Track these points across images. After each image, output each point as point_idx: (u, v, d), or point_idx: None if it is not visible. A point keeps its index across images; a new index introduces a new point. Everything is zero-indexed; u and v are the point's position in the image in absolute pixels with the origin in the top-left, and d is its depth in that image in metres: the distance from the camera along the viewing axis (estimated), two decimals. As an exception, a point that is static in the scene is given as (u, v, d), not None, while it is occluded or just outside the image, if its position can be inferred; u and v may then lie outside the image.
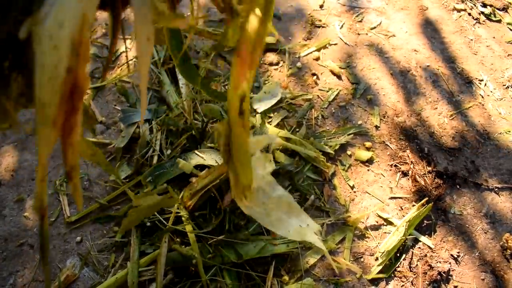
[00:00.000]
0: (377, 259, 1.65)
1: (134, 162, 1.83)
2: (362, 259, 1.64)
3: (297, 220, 1.24)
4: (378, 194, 1.82)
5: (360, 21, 2.44)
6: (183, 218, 1.62)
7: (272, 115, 1.98)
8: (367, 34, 2.38)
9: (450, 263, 1.68)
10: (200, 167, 1.76)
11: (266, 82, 2.05)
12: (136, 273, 1.57)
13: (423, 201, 1.77)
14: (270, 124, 1.92)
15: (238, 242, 1.61)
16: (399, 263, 1.65)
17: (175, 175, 1.73)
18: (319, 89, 2.12)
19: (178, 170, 1.74)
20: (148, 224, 1.67)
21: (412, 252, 1.69)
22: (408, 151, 1.91)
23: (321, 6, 2.51)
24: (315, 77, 2.15)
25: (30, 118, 2.03)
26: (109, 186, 1.85)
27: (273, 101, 2.00)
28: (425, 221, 1.76)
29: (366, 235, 1.72)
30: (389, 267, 1.63)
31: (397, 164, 1.89)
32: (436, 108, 2.09)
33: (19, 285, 1.64)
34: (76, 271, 1.66)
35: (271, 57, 2.19)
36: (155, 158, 1.82)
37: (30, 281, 1.64)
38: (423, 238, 1.72)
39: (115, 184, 1.82)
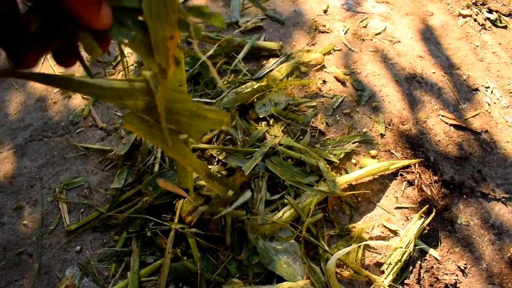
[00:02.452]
0: (383, 271, 1.61)
1: (135, 170, 1.80)
2: (368, 271, 1.60)
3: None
4: (383, 204, 1.79)
5: (365, 27, 2.42)
6: (185, 231, 1.59)
7: (275, 122, 1.95)
8: (371, 39, 2.35)
9: (457, 275, 1.65)
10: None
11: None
12: (137, 283, 1.54)
13: (424, 209, 1.74)
14: (273, 131, 1.89)
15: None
16: (406, 275, 1.62)
17: (176, 184, 1.70)
18: (323, 96, 2.09)
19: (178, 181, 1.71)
20: (149, 234, 1.64)
21: (419, 264, 1.65)
22: (413, 159, 1.88)
23: (325, 11, 2.48)
24: (319, 83, 2.12)
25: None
26: (110, 194, 1.82)
27: (277, 108, 1.97)
28: (431, 232, 1.73)
29: (372, 246, 1.68)
30: (397, 280, 1.60)
31: (402, 173, 1.85)
32: (441, 116, 2.06)
33: (17, 295, 1.61)
34: (76, 281, 1.63)
35: (275, 63, 2.16)
36: (156, 166, 1.79)
37: (29, 291, 1.62)
38: (430, 250, 1.68)
39: (116, 192, 1.79)
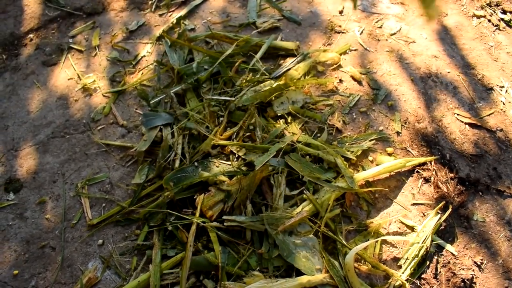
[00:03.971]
0: (400, 266, 1.64)
1: (157, 166, 1.84)
2: (385, 266, 1.62)
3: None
4: (400, 200, 1.81)
5: (380, 27, 2.44)
6: (207, 225, 1.62)
7: (293, 119, 1.98)
8: (387, 40, 2.38)
9: (473, 270, 1.66)
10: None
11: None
12: (159, 276, 1.57)
13: (440, 205, 1.75)
14: (291, 128, 1.92)
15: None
16: (423, 269, 1.64)
17: (197, 181, 1.73)
18: (340, 95, 2.11)
19: (199, 176, 1.74)
20: (170, 228, 1.67)
21: (436, 259, 1.67)
22: (430, 157, 1.90)
23: (340, 12, 2.51)
24: (335, 82, 2.15)
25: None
26: (131, 189, 1.85)
27: (295, 106, 2.00)
28: (448, 228, 1.75)
29: (389, 241, 1.70)
30: (414, 274, 1.62)
31: (419, 170, 1.88)
32: (457, 115, 2.08)
33: (41, 287, 1.65)
34: (98, 274, 1.66)
35: (291, 62, 2.19)
36: (177, 162, 1.83)
37: (52, 283, 1.65)
38: (447, 245, 1.70)
39: (137, 187, 1.83)
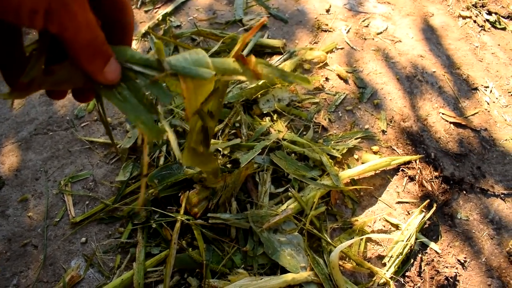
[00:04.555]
0: (385, 264, 1.64)
1: (141, 163, 1.82)
2: (370, 263, 1.62)
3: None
4: (385, 199, 1.81)
5: (367, 26, 2.45)
6: (191, 222, 1.61)
7: (279, 117, 1.97)
8: (373, 39, 2.38)
9: (457, 268, 1.67)
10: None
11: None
12: (142, 274, 1.56)
13: (425, 203, 1.76)
14: (277, 126, 1.92)
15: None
16: (407, 267, 1.64)
17: (182, 178, 1.72)
18: (326, 93, 2.11)
19: (184, 173, 1.73)
20: (154, 225, 1.65)
21: (420, 257, 1.68)
22: (414, 156, 1.90)
23: (327, 11, 2.52)
24: (321, 80, 2.15)
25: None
26: (115, 187, 1.83)
27: (280, 104, 1.99)
28: (432, 226, 1.75)
29: (374, 239, 1.71)
30: (398, 272, 1.62)
31: (404, 169, 1.88)
32: (442, 114, 2.09)
33: (23, 286, 1.62)
34: (81, 272, 1.64)
35: (278, 60, 2.18)
36: (162, 159, 1.81)
37: (34, 282, 1.62)
38: (431, 243, 1.71)
39: (121, 185, 1.81)
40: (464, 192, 1.87)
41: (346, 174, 1.78)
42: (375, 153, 1.92)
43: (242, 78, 0.86)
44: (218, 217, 1.60)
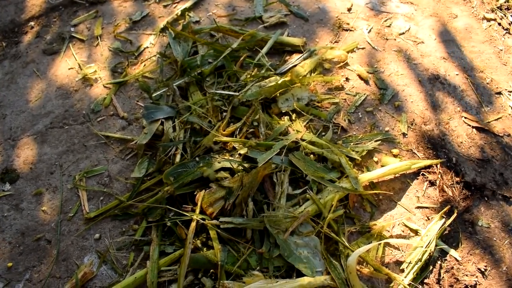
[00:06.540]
0: (403, 270, 1.60)
1: (157, 160, 1.80)
2: (388, 269, 1.59)
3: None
4: (404, 203, 1.77)
5: (389, 26, 2.40)
6: (207, 222, 1.58)
7: (297, 117, 1.94)
8: (395, 39, 2.34)
9: (477, 276, 1.63)
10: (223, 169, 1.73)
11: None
12: (156, 272, 1.53)
13: (445, 209, 1.72)
14: (295, 125, 1.88)
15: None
16: (426, 274, 1.60)
17: (198, 177, 1.69)
18: (346, 93, 2.08)
19: (200, 172, 1.70)
20: (169, 224, 1.63)
21: (439, 264, 1.64)
22: (436, 160, 1.86)
23: (349, 9, 2.47)
24: (342, 80, 2.11)
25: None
26: (130, 183, 1.81)
27: (300, 103, 1.96)
28: (452, 233, 1.71)
29: (392, 244, 1.67)
30: (416, 279, 1.58)
31: (424, 173, 1.84)
32: (464, 118, 2.04)
33: (35, 280, 1.61)
34: (94, 269, 1.62)
35: (298, 59, 2.15)
36: (178, 157, 1.79)
37: (47, 277, 1.61)
38: (451, 250, 1.67)
39: (136, 181, 1.79)
40: (486, 198, 1.82)
41: (365, 177, 1.74)
42: (395, 156, 1.88)
43: None
44: (230, 221, 1.57)
